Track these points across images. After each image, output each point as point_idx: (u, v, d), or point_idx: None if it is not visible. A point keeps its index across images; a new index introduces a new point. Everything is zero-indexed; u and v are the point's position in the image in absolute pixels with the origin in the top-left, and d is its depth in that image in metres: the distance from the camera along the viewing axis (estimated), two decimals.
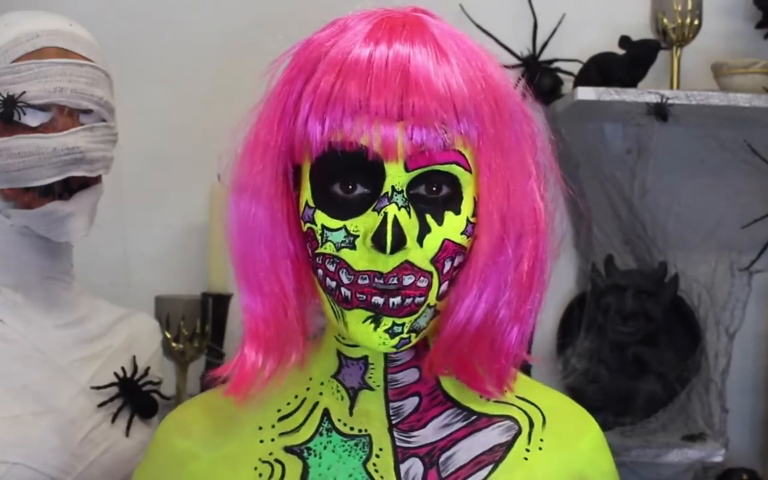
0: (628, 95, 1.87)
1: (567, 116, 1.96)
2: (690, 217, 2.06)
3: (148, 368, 1.43)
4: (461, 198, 0.88)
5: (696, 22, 1.94)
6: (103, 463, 1.32)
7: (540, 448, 0.95)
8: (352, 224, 0.86)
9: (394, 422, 0.94)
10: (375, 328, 0.87)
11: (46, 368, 1.31)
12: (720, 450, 1.92)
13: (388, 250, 0.83)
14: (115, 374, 1.37)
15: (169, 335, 1.81)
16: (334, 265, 0.87)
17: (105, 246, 1.85)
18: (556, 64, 2.07)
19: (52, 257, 1.35)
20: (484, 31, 1.92)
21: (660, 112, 1.85)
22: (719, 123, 1.96)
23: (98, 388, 1.35)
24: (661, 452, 1.89)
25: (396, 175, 0.85)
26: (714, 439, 1.95)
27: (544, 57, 2.07)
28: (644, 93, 1.87)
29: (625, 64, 1.93)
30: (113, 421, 1.35)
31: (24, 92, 1.27)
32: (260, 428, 0.95)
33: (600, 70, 1.93)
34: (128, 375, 1.38)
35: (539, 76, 2.02)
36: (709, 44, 2.04)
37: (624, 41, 1.95)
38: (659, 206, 2.05)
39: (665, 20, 1.93)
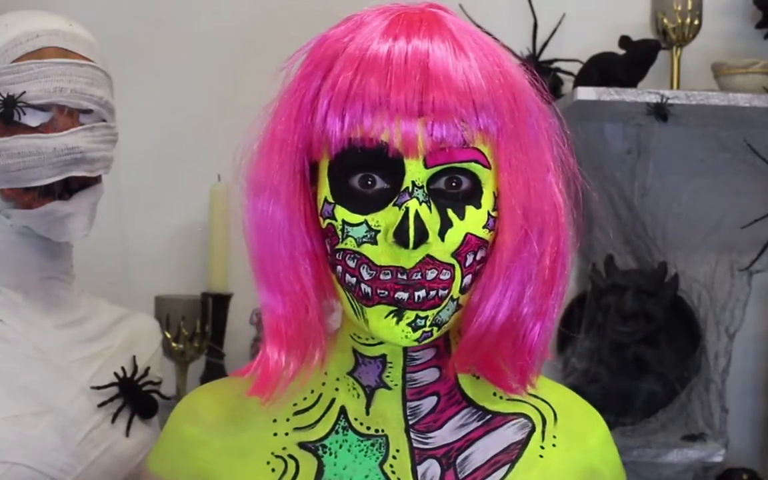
0: (628, 95, 1.86)
1: (567, 116, 1.95)
2: (690, 217, 2.06)
3: (148, 368, 1.42)
4: (481, 192, 0.87)
5: (696, 22, 1.94)
6: (103, 463, 1.32)
7: (554, 445, 0.96)
8: (373, 219, 0.86)
9: (411, 423, 0.93)
10: (397, 322, 0.86)
11: (46, 368, 1.31)
12: (720, 450, 1.92)
13: (411, 245, 0.83)
14: (115, 374, 1.37)
15: (169, 335, 1.81)
16: (355, 260, 0.87)
17: (105, 246, 1.85)
18: (556, 64, 2.06)
19: (52, 257, 1.35)
20: (484, 30, 1.91)
21: (660, 112, 1.84)
22: (719, 123, 1.96)
23: (98, 388, 1.34)
24: (661, 452, 1.89)
25: (415, 171, 0.85)
26: (714, 439, 1.95)
27: (544, 57, 2.07)
28: (644, 93, 1.87)
29: (625, 64, 1.93)
30: (113, 421, 1.35)
31: (24, 92, 1.27)
32: (274, 421, 0.94)
33: (600, 70, 1.93)
34: (128, 375, 1.38)
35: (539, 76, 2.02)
36: (709, 44, 2.04)
37: (624, 41, 1.95)
38: (659, 206, 2.05)
39: (665, 20, 1.92)
